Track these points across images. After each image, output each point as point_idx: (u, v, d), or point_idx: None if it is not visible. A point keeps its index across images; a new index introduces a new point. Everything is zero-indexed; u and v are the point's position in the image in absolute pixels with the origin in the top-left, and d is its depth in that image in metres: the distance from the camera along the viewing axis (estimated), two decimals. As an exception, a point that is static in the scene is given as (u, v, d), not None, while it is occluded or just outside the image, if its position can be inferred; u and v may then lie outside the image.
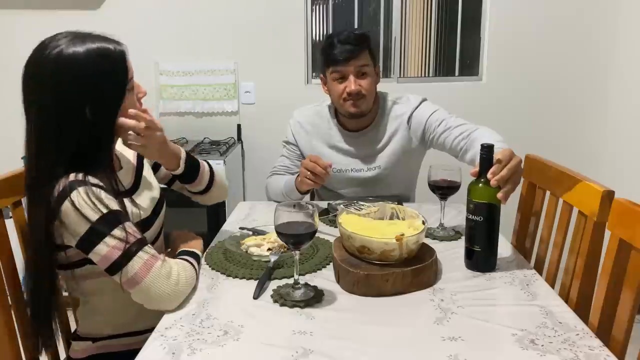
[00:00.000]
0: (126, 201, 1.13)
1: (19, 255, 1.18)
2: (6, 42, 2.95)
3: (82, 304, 1.23)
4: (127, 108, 1.10)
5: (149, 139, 1.13)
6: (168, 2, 2.92)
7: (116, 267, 1.03)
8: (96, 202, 1.02)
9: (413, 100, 1.80)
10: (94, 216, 1.02)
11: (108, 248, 1.02)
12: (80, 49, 1.04)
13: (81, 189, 1.02)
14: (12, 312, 1.15)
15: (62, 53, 1.03)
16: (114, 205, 1.05)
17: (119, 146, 1.23)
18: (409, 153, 1.80)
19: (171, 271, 1.07)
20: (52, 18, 2.91)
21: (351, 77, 1.68)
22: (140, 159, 1.30)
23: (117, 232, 1.03)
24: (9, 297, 1.14)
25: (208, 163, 1.41)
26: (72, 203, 1.01)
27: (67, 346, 1.31)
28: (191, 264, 1.15)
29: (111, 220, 1.03)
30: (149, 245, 1.08)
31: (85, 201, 1.01)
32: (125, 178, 1.21)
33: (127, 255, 1.03)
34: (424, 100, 1.80)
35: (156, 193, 1.29)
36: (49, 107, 1.05)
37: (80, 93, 1.04)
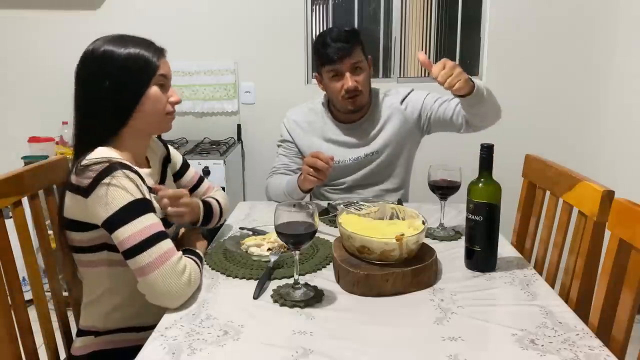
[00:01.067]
0: (154, 197, 1.20)
1: (19, 255, 1.18)
2: (6, 42, 2.95)
3: (88, 294, 1.24)
4: (152, 102, 1.18)
5: (184, 215, 1.25)
6: (168, 2, 2.92)
7: (133, 251, 1.04)
8: (133, 186, 1.08)
9: (403, 89, 1.88)
10: (127, 198, 1.06)
11: (132, 232, 1.05)
12: (115, 48, 1.16)
13: (121, 172, 1.08)
14: (12, 312, 1.15)
15: (97, 47, 1.17)
16: (147, 194, 1.11)
17: (150, 148, 1.34)
18: (404, 135, 1.84)
19: (185, 269, 1.08)
20: (52, 18, 2.92)
21: (347, 74, 1.72)
22: (164, 164, 1.38)
23: (144, 218, 1.07)
24: (9, 297, 1.14)
25: (217, 200, 1.45)
26: (111, 181, 1.06)
27: (67, 346, 1.32)
28: (198, 265, 1.16)
29: (142, 206, 1.08)
30: (170, 240, 1.10)
31: (123, 183, 1.07)
32: (153, 176, 1.27)
33: (148, 242, 1.05)
34: (413, 89, 1.87)
35: None
36: (77, 90, 1.19)
37: (100, 80, 1.16)
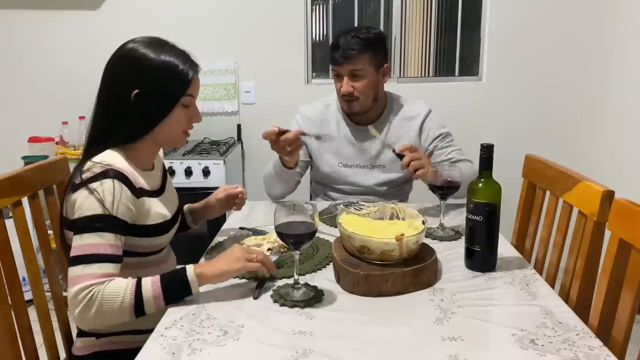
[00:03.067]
0: (155, 200, 1.20)
1: (19, 255, 1.19)
2: (6, 42, 2.95)
3: None
4: (175, 121, 1.18)
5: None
6: (168, 2, 2.92)
7: (71, 261, 1.05)
8: (110, 200, 1.07)
9: (421, 104, 1.85)
10: (97, 211, 1.06)
11: (79, 243, 1.05)
12: (151, 54, 1.15)
13: (110, 181, 1.08)
14: (12, 312, 1.15)
15: (134, 48, 1.16)
16: (124, 212, 1.09)
17: (161, 152, 1.35)
18: None
19: (84, 302, 1.00)
20: (52, 18, 2.91)
21: (345, 79, 1.72)
22: (165, 166, 1.38)
23: (97, 235, 1.05)
24: (9, 297, 1.14)
25: None
26: (97, 189, 1.07)
27: (67, 346, 1.32)
28: (139, 300, 1.03)
29: (105, 223, 1.07)
30: (110, 264, 1.05)
31: (106, 194, 1.07)
32: (155, 179, 1.27)
33: (82, 259, 1.03)
34: (431, 110, 1.84)
35: (176, 200, 1.37)
36: (103, 88, 1.18)
37: (130, 85, 1.14)
